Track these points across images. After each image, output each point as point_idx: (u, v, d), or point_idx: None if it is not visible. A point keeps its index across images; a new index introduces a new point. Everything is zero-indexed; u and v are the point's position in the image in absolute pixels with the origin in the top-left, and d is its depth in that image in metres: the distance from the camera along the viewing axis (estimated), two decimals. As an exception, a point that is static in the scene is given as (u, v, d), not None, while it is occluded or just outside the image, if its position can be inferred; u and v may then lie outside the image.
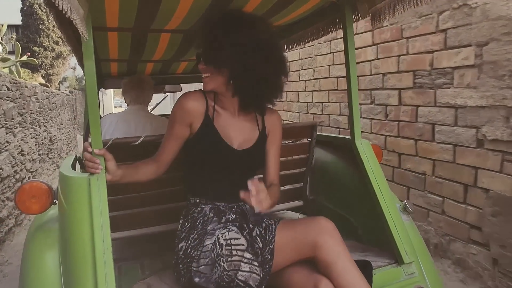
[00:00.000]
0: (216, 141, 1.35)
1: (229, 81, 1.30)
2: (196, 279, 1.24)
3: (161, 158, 1.41)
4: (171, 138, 1.40)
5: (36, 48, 15.24)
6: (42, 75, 16.11)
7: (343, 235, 1.23)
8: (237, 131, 1.40)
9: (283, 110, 5.58)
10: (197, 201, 1.41)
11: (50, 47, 15.97)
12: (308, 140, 1.96)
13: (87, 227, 1.12)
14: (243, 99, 1.36)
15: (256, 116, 1.47)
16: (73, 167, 1.45)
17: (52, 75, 16.60)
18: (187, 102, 1.36)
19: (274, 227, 1.22)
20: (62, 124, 7.18)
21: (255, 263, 1.17)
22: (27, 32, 14.96)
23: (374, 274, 1.28)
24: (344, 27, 1.57)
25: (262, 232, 1.21)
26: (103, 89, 3.74)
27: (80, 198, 1.16)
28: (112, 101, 19.32)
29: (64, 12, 0.91)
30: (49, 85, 7.96)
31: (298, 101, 5.19)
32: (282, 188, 2.00)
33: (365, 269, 1.23)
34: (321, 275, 1.16)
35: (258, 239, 1.20)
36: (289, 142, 2.02)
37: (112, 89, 14.48)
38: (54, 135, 6.21)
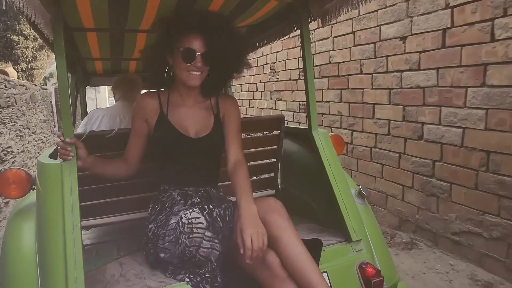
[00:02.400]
0: (172, 133, 1.52)
1: (206, 76, 1.51)
2: (162, 255, 1.39)
3: (128, 154, 1.58)
4: (133, 134, 1.59)
5: (15, 37, 13.82)
6: (22, 68, 14.77)
7: (305, 219, 1.85)
8: (193, 121, 1.56)
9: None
10: (167, 187, 1.56)
11: (32, 36, 14.46)
12: (277, 132, 2.09)
13: (59, 207, 1.27)
14: (207, 90, 1.57)
15: (211, 104, 1.61)
16: (54, 157, 1.52)
17: (34, 69, 15.21)
18: (142, 100, 1.57)
19: (232, 208, 1.46)
20: (28, 128, 5.85)
21: (216, 241, 1.29)
22: (4, 18, 13.37)
23: (324, 250, 1.47)
24: (300, 27, 1.74)
25: (222, 212, 1.37)
26: (97, 87, 4.20)
27: (54, 182, 1.32)
28: (107, 100, 18.05)
29: (28, 18, 1.14)
30: (7, 71, 6.50)
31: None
32: (256, 177, 2.21)
33: (316, 246, 1.43)
34: (269, 248, 1.29)
35: (219, 219, 1.34)
36: (260, 135, 2.29)
37: (107, 87, 13.26)
38: (8, 147, 4.55)
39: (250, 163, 1.97)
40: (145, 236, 1.48)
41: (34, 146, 6.14)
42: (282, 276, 1.26)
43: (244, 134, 2.18)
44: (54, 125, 8.50)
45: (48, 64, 16.43)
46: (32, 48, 14.74)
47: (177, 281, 1.31)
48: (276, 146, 2.12)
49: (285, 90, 4.98)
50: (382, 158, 3.34)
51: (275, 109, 5.30)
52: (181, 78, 1.49)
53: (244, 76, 6.42)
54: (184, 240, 1.27)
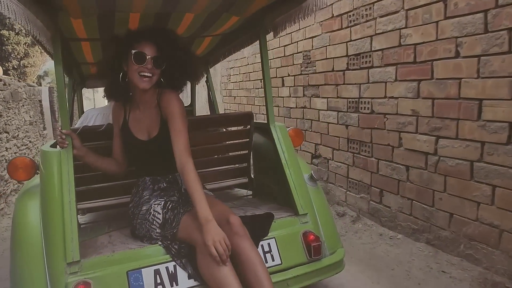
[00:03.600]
0: (129, 138, 1.90)
1: (159, 79, 1.82)
2: (136, 232, 1.84)
3: (114, 154, 1.99)
4: (114, 136, 1.99)
5: (5, 32, 12.78)
6: (13, 66, 13.74)
7: (269, 200, 2.27)
8: (145, 124, 1.88)
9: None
10: (142, 174, 1.97)
11: (24, 31, 13.45)
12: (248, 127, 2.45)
13: (58, 185, 1.64)
14: (154, 93, 1.88)
15: (158, 105, 1.86)
16: (54, 147, 1.85)
17: (27, 66, 14.17)
18: (113, 109, 1.98)
19: (182, 216, 1.71)
20: (7, 132, 4.84)
21: (162, 236, 1.74)
22: (-9, 13, 12.29)
23: (275, 222, 1.88)
24: (259, 37, 2.18)
25: (183, 198, 1.86)
26: (95, 88, 4.68)
27: (54, 166, 1.68)
28: (105, 99, 17.17)
29: (34, 37, 1.54)
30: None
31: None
32: (231, 167, 2.60)
33: (268, 218, 1.89)
34: (231, 210, 1.76)
35: (170, 221, 1.73)
36: (234, 129, 2.73)
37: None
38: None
39: (225, 155, 2.62)
40: (129, 214, 1.92)
41: (15, 153, 5.11)
42: (241, 233, 1.63)
43: (219, 129, 2.76)
44: (44, 127, 7.46)
45: (42, 61, 15.33)
46: (24, 44, 13.67)
47: (155, 244, 1.73)
48: (247, 139, 2.47)
49: (325, 85, 3.98)
50: (493, 177, 2.33)
51: (310, 108, 4.30)
52: (133, 81, 1.79)
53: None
54: (146, 225, 1.79)
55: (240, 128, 2.58)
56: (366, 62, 3.31)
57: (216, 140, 2.62)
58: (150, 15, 1.96)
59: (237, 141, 2.54)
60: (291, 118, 4.78)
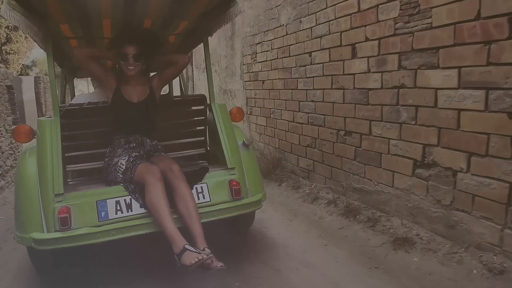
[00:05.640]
0: (122, 99, 2.62)
1: (142, 67, 2.66)
2: (108, 178, 2.50)
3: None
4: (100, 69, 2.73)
5: (-19, 13, 11.14)
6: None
7: (214, 163, 2.87)
8: (136, 92, 2.66)
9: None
10: (118, 136, 2.63)
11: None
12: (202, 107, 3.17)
13: (48, 142, 2.35)
14: (142, 74, 2.74)
15: (147, 83, 2.75)
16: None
17: (9, 53, 12.45)
18: (108, 74, 2.72)
19: (137, 166, 2.44)
20: None
21: (123, 180, 2.44)
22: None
23: (209, 172, 2.61)
24: (203, 39, 3.03)
25: (132, 166, 2.45)
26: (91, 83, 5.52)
27: (45, 129, 2.40)
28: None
29: (30, 37, 2.51)
30: None
31: None
32: (192, 139, 3.18)
33: (203, 170, 2.63)
34: (173, 161, 2.54)
35: (129, 170, 2.44)
36: (189, 110, 3.34)
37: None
38: None
39: (186, 130, 3.27)
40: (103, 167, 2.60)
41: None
42: (179, 177, 2.38)
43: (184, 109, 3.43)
44: (15, 121, 5.79)
45: (27, 48, 13.60)
46: (6, 27, 11.97)
47: (117, 185, 2.42)
48: (203, 117, 3.17)
49: (454, 45, 2.35)
50: None
51: (416, 87, 2.67)
52: (123, 69, 2.60)
53: (317, 37, 3.79)
54: (113, 172, 2.48)
55: (196, 108, 3.25)
56: None
57: (179, 117, 3.26)
58: (118, 21, 2.64)
59: (195, 118, 3.26)
60: (370, 104, 3.14)
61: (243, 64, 5.96)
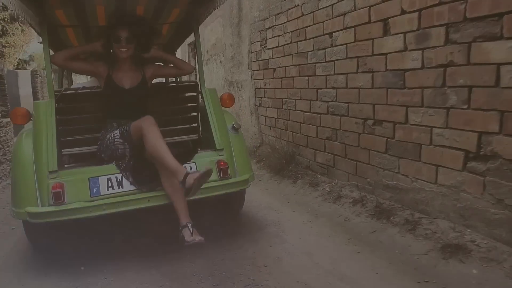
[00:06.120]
0: (113, 85, 2.69)
1: (135, 51, 2.74)
2: (102, 155, 2.58)
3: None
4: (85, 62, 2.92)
5: (-25, 4, 10.60)
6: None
7: (205, 146, 2.92)
8: (127, 78, 2.73)
9: None
10: (110, 120, 2.70)
11: (1, 4, 11.19)
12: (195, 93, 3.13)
13: (43, 123, 2.46)
14: (135, 58, 2.78)
15: (139, 70, 2.80)
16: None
17: (5, 46, 11.98)
18: (97, 65, 2.76)
19: (129, 126, 2.54)
20: None
21: (127, 145, 2.52)
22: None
23: (198, 154, 2.72)
24: (193, 27, 3.13)
25: (125, 131, 2.55)
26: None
27: (40, 110, 2.51)
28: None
29: (26, 21, 2.86)
30: None
31: None
32: (185, 126, 3.13)
33: (194, 150, 2.80)
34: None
35: (125, 133, 2.53)
36: (182, 96, 3.32)
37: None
38: None
39: (179, 116, 3.22)
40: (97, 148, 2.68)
41: None
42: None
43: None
44: (6, 112, 5.36)
45: (24, 41, 13.08)
46: (1, 19, 11.52)
47: (109, 164, 2.50)
48: (195, 104, 3.15)
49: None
50: None
51: (470, 63, 2.23)
52: (115, 52, 2.68)
53: (339, 15, 3.36)
54: (109, 148, 2.54)
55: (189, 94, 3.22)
56: None
57: (172, 103, 3.24)
58: (111, 9, 2.73)
59: (188, 105, 3.26)
60: (406, 88, 2.70)
61: (251, 52, 5.51)
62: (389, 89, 2.86)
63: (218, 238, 2.80)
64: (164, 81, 4.62)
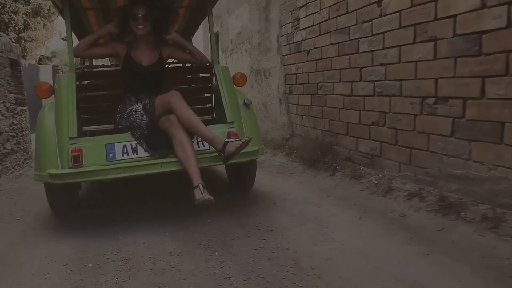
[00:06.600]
0: (132, 63, 2.84)
1: (151, 29, 2.89)
2: (119, 126, 2.74)
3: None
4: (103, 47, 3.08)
5: (-1, -2, 10.47)
6: (11, 39, 11.47)
7: (219, 122, 3.00)
8: (145, 56, 2.87)
9: None
10: (128, 95, 2.85)
11: (23, -3, 11.10)
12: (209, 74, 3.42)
13: (64, 95, 2.64)
14: (154, 36, 2.95)
15: (156, 49, 2.95)
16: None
17: (27, 41, 11.93)
18: (112, 45, 2.96)
19: (154, 100, 2.70)
20: None
21: (145, 117, 2.65)
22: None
23: (210, 126, 2.75)
24: (208, 11, 3.18)
25: (149, 105, 2.70)
26: None
27: (62, 83, 2.72)
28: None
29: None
30: None
31: None
32: (199, 106, 3.44)
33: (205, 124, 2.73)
34: (172, 114, 2.63)
35: (148, 106, 2.68)
36: (197, 76, 3.72)
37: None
38: None
39: (193, 97, 3.50)
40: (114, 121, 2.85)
41: None
42: (176, 125, 2.57)
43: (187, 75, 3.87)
44: (22, 101, 5.08)
45: (46, 37, 12.99)
46: (24, 14, 11.44)
47: (125, 133, 2.65)
48: (210, 84, 3.42)
49: None
50: None
51: None
52: (133, 30, 2.82)
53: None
54: (129, 119, 2.69)
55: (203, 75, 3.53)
56: None
57: (186, 83, 3.68)
58: None
59: (201, 85, 3.62)
60: (483, 54, 2.20)
61: (281, 36, 5.07)
62: (458, 58, 2.37)
63: (248, 232, 2.37)
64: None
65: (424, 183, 2.71)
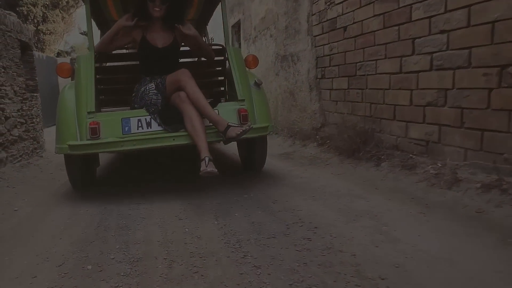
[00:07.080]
0: (147, 44, 2.94)
1: (166, 12, 2.92)
2: (136, 105, 2.87)
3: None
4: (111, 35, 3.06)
5: (17, -11, 10.25)
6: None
7: (232, 102, 3.05)
8: (160, 38, 2.97)
9: None
10: (144, 76, 2.97)
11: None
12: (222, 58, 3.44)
13: (83, 73, 2.80)
14: (168, 20, 2.98)
15: (171, 31, 3.02)
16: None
17: (45, 34, 11.76)
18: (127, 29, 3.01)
19: (165, 79, 2.86)
20: None
21: (159, 95, 2.80)
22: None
23: (222, 103, 3.07)
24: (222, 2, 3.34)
25: (161, 84, 2.86)
26: None
27: (82, 62, 2.87)
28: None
29: None
30: None
31: None
32: (210, 90, 3.67)
33: (217, 100, 3.34)
34: (182, 91, 2.76)
35: (160, 85, 2.83)
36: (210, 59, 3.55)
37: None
38: None
39: (207, 79, 3.68)
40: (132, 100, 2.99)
41: None
42: (185, 101, 2.69)
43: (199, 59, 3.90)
44: (33, 87, 4.74)
45: (65, 29, 12.80)
46: (42, 6, 11.27)
47: (140, 109, 2.80)
48: (222, 68, 3.52)
49: None
50: None
51: None
52: (150, 12, 2.87)
53: None
54: (144, 99, 2.80)
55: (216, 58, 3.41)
56: None
57: (199, 67, 3.72)
58: None
59: (215, 69, 3.61)
60: None
61: (312, 15, 4.58)
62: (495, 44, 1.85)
63: (287, 229, 1.90)
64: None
65: (503, 172, 2.19)
